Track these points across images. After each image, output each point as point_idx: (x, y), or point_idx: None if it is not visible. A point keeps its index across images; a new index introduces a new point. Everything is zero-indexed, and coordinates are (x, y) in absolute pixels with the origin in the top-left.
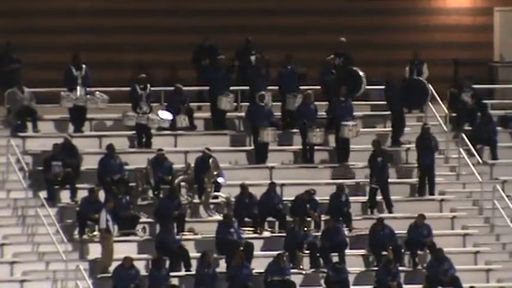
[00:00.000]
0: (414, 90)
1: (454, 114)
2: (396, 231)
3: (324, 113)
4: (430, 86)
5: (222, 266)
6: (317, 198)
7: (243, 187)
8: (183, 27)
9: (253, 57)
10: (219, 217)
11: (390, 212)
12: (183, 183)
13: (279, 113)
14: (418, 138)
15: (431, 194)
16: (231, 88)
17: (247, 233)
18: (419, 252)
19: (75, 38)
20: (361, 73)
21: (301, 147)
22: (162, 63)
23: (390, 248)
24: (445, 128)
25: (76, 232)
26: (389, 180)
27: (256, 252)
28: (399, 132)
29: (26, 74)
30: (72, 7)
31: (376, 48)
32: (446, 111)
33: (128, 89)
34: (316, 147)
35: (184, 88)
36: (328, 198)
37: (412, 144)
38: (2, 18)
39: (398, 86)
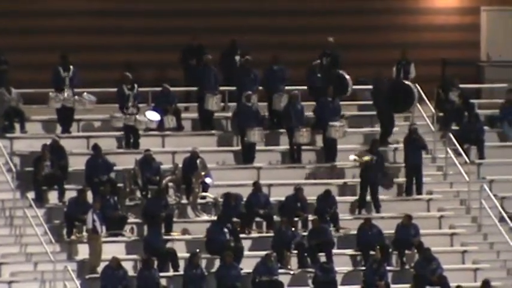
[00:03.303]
0: (401, 94)
1: (441, 114)
2: (384, 231)
3: (311, 113)
4: (418, 87)
5: (213, 267)
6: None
7: (227, 195)
8: (172, 27)
9: (237, 57)
10: (206, 217)
11: (378, 211)
12: (170, 184)
13: (266, 113)
14: (406, 138)
15: (419, 193)
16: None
17: None
18: (407, 251)
19: (63, 39)
20: (347, 77)
21: (288, 147)
22: (151, 64)
23: (378, 247)
24: (433, 128)
25: (64, 233)
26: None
27: (244, 252)
28: (388, 132)
29: (13, 75)
30: (60, 8)
31: (363, 48)
32: (434, 110)
33: (115, 89)
34: (303, 147)
35: (172, 89)
36: (315, 198)
37: (400, 144)
38: None
39: (385, 89)
